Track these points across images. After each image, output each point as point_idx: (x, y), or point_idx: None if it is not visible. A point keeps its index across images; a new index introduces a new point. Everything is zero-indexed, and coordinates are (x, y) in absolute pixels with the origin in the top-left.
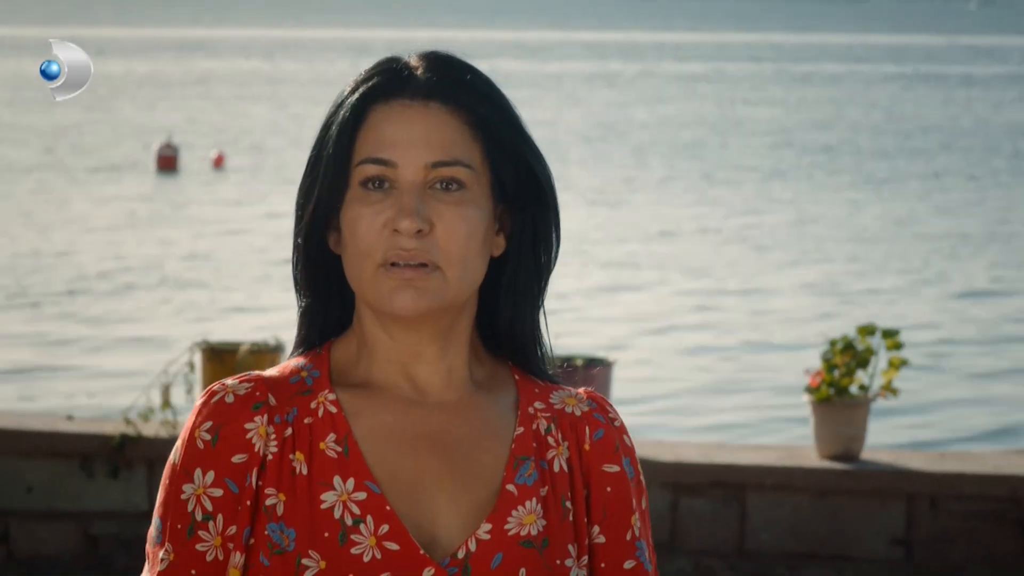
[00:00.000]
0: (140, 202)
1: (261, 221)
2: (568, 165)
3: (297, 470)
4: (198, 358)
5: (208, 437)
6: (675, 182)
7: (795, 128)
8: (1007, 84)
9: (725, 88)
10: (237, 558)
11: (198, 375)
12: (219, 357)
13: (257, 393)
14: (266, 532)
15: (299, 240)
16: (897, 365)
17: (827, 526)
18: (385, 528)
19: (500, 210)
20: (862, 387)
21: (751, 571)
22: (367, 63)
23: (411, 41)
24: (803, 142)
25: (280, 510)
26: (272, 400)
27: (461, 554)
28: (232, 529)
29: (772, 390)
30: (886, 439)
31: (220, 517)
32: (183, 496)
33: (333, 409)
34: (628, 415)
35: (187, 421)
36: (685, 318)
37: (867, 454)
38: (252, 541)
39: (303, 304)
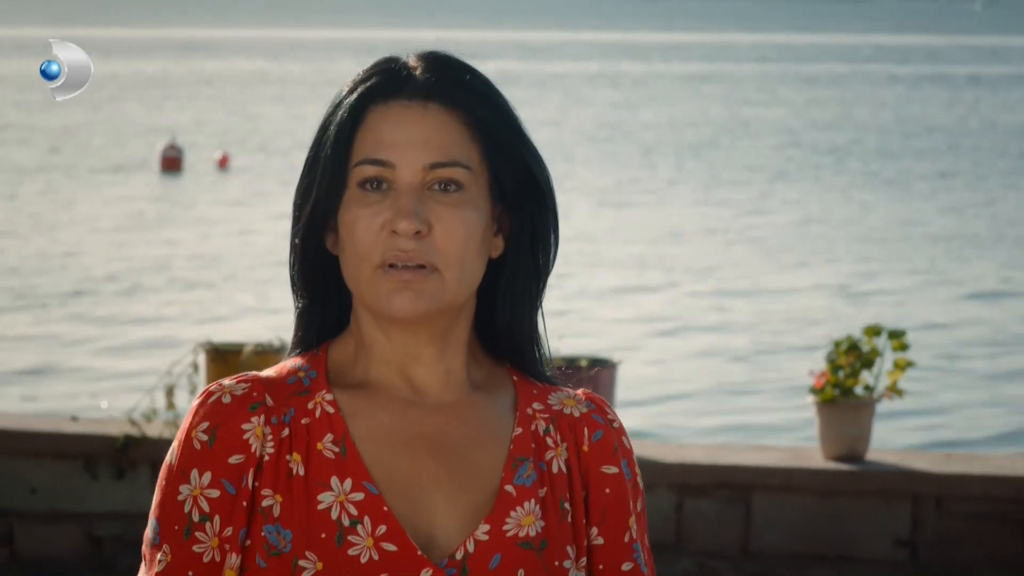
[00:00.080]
0: (144, 203)
1: (265, 221)
2: (574, 166)
3: (294, 471)
4: (202, 359)
5: (205, 438)
6: (682, 183)
7: (802, 128)
8: (1013, 84)
9: (731, 89)
10: (233, 559)
11: (202, 376)
12: (223, 358)
13: (254, 394)
14: (262, 533)
15: (296, 241)
16: (903, 366)
17: (832, 527)
18: (383, 529)
19: (498, 211)
20: (867, 388)
21: (756, 572)
22: (368, 63)
23: (415, 41)
24: (810, 142)
25: (276, 511)
26: (269, 401)
27: (459, 555)
28: (229, 530)
29: (780, 391)
30: (896, 440)
31: (217, 518)
32: (180, 497)
33: (331, 409)
34: (633, 416)
35: (184, 422)
36: (691, 319)
37: (872, 455)
38: (248, 542)
39: (300, 305)
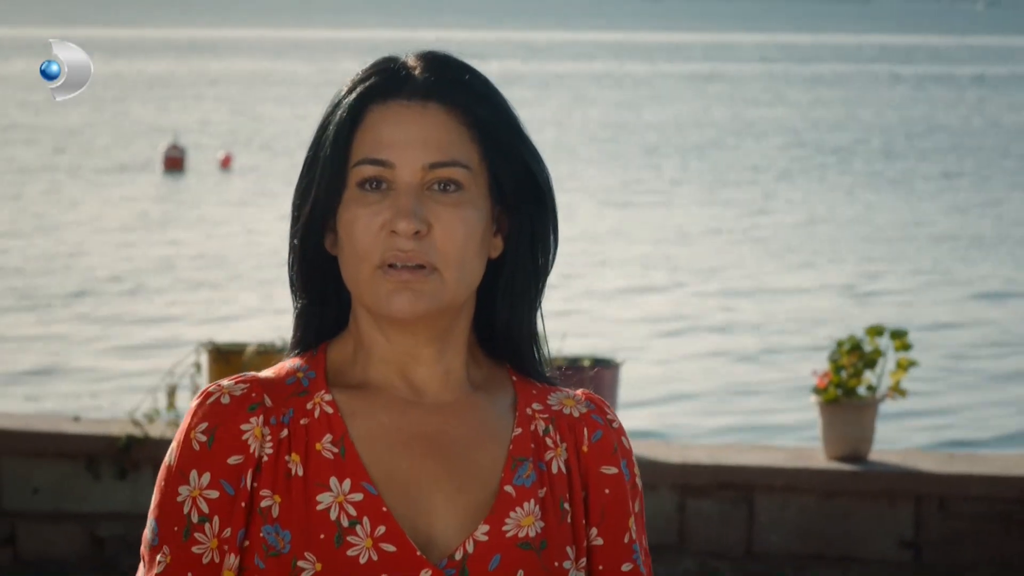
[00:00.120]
0: (147, 203)
1: (269, 222)
2: (578, 166)
3: (293, 471)
4: (204, 359)
5: (203, 438)
6: (686, 183)
7: (806, 129)
8: (1017, 84)
9: (735, 89)
10: (231, 560)
11: (204, 376)
12: (225, 358)
13: (253, 394)
14: (261, 534)
15: (295, 241)
16: (905, 366)
17: (835, 527)
18: (382, 529)
19: (498, 211)
20: (870, 388)
21: (759, 572)
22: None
23: (419, 41)
24: (814, 143)
25: (275, 512)
26: (268, 401)
27: (459, 556)
28: (227, 531)
29: (786, 392)
30: (903, 441)
31: (216, 519)
32: (179, 498)
33: (329, 410)
34: (638, 417)
35: (182, 423)
36: (695, 319)
37: (875, 455)
38: (247, 543)
39: (299, 305)
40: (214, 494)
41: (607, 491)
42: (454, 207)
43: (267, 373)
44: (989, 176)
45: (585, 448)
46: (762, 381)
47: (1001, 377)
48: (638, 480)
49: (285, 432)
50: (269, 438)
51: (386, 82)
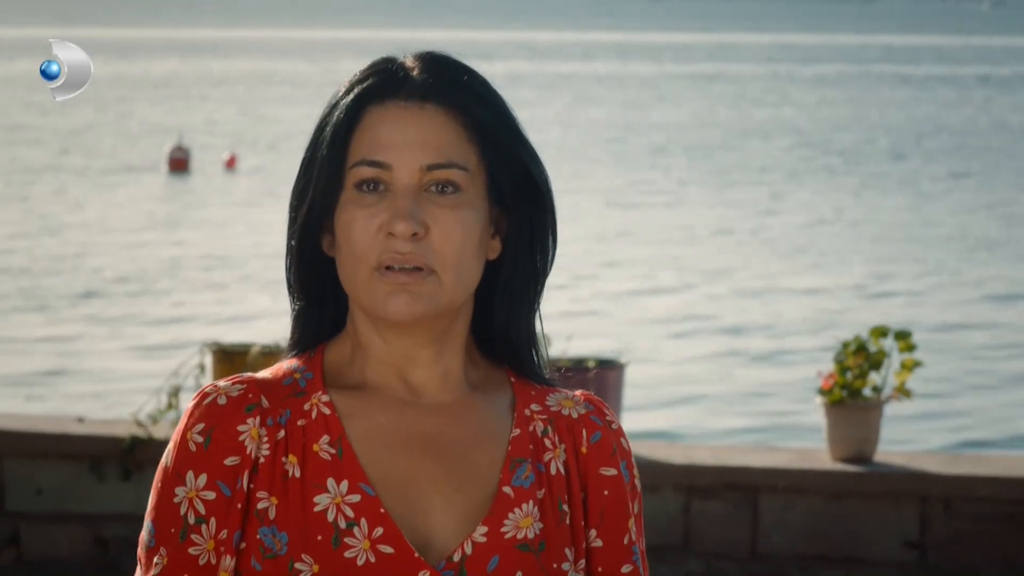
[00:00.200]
0: (153, 204)
1: (274, 223)
2: (584, 167)
3: (290, 473)
4: (208, 360)
5: (200, 439)
6: (693, 184)
7: (812, 129)
8: (1022, 85)
9: (740, 89)
10: (227, 562)
11: (208, 377)
12: (230, 358)
13: (250, 395)
14: (258, 536)
15: (292, 242)
16: (910, 367)
17: (840, 528)
18: (379, 531)
19: (496, 213)
20: (875, 389)
21: (763, 573)
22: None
23: (425, 42)
24: (821, 143)
25: (272, 513)
26: (265, 402)
27: (457, 557)
28: (224, 533)
29: (792, 393)
30: (911, 443)
31: (213, 520)
32: (175, 499)
33: (327, 411)
34: (645, 418)
35: (179, 423)
36: (702, 320)
37: (880, 456)
38: (243, 545)
39: (297, 307)
40: (211, 495)
41: (606, 492)
42: (452, 209)
43: (264, 374)
44: (996, 176)
45: (584, 449)
46: (770, 382)
47: (1010, 378)
48: (637, 481)
49: (282, 433)
50: (266, 439)
51: (384, 83)
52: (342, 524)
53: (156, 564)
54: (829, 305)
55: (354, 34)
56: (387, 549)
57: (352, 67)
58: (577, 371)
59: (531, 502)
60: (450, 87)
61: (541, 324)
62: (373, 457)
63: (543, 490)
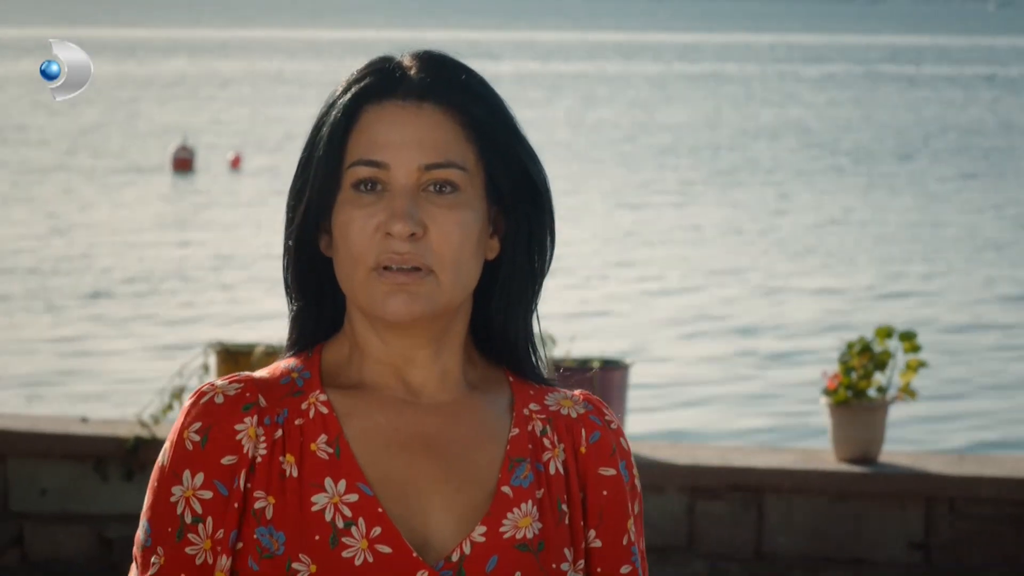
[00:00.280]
0: (159, 204)
1: (280, 223)
2: (592, 167)
3: (287, 472)
4: (212, 360)
5: (197, 438)
6: (699, 184)
7: (819, 129)
8: None
9: (747, 89)
10: (223, 562)
11: (212, 377)
12: (234, 359)
13: (247, 394)
14: (255, 536)
15: (290, 243)
16: (915, 367)
17: (845, 529)
18: (377, 531)
19: (494, 212)
20: (880, 389)
21: (768, 574)
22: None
23: (428, 42)
24: (828, 143)
25: (269, 513)
26: (262, 401)
27: (455, 557)
28: (220, 532)
29: (801, 394)
30: (917, 443)
31: (210, 520)
32: (172, 499)
33: (324, 410)
34: (650, 419)
35: (176, 422)
36: (709, 321)
37: (885, 457)
38: (240, 545)
39: (294, 307)
40: (207, 494)
41: (605, 492)
42: (450, 209)
43: (261, 373)
44: (1004, 177)
45: (583, 449)
46: (779, 383)
47: (1020, 380)
48: (637, 481)
49: (279, 433)
50: (263, 438)
51: (381, 82)
52: (340, 524)
53: (153, 564)
54: (837, 306)
55: (359, 34)
56: (385, 549)
57: (354, 66)
58: (576, 371)
59: (530, 502)
60: (448, 86)
61: (539, 324)
62: (371, 457)
63: (542, 490)
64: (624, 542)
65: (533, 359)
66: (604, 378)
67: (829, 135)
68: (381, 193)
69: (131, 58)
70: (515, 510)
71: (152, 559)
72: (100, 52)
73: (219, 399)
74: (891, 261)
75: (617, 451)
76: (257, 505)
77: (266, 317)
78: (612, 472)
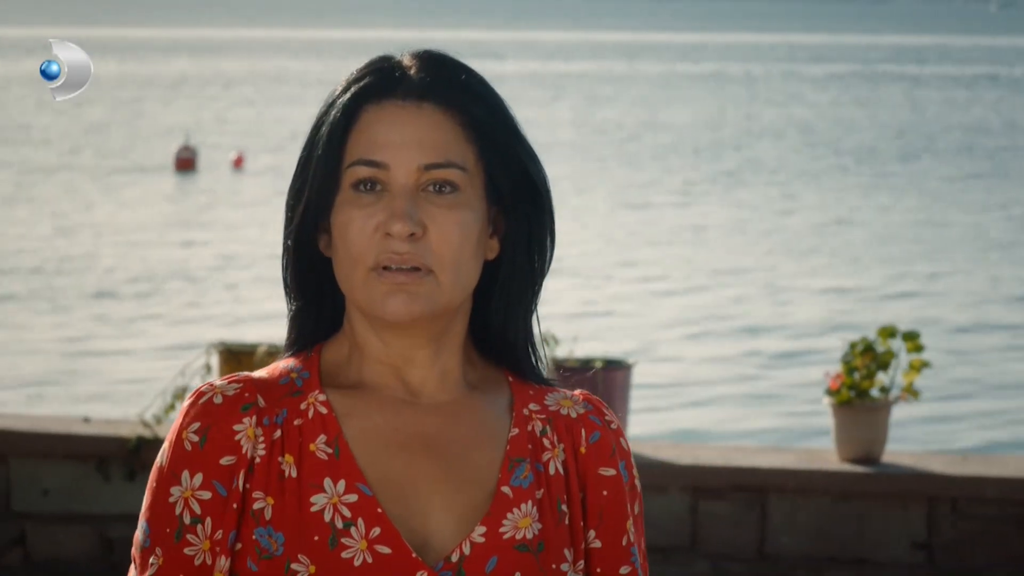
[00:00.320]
0: (161, 204)
1: (281, 223)
2: (596, 167)
3: (286, 473)
4: (215, 360)
5: (195, 439)
6: (702, 184)
7: (823, 129)
8: None
9: (750, 89)
10: (222, 562)
11: (215, 377)
12: (236, 359)
13: (246, 394)
14: (253, 537)
15: (288, 243)
16: (918, 367)
17: (848, 529)
18: (377, 531)
19: (494, 212)
20: (883, 389)
21: (771, 574)
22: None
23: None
24: (831, 143)
25: (268, 514)
26: (261, 402)
27: (455, 557)
28: (219, 533)
29: (806, 394)
30: (920, 444)
31: (208, 520)
32: (171, 499)
33: (323, 410)
34: (655, 419)
35: (174, 423)
36: (711, 321)
37: (888, 457)
38: (239, 546)
39: (293, 307)
40: (206, 495)
41: (605, 493)
42: (449, 209)
43: (260, 373)
44: (1008, 176)
45: (583, 449)
46: (783, 383)
47: (1020, 379)
48: (637, 482)
49: (278, 433)
50: (262, 439)
51: (381, 82)
52: (339, 524)
53: (151, 564)
54: (842, 306)
55: (362, 34)
56: (384, 549)
57: (355, 66)
58: (578, 371)
59: (530, 502)
60: (448, 86)
61: (539, 324)
62: (370, 457)
63: (542, 490)
64: (624, 542)
65: (533, 359)
66: (607, 378)
67: (832, 135)
68: (380, 193)
69: (134, 58)
70: (515, 510)
71: (151, 560)
72: (104, 52)
73: (218, 399)
74: (896, 261)
75: (617, 451)
76: (256, 506)
77: (269, 317)
78: (612, 472)
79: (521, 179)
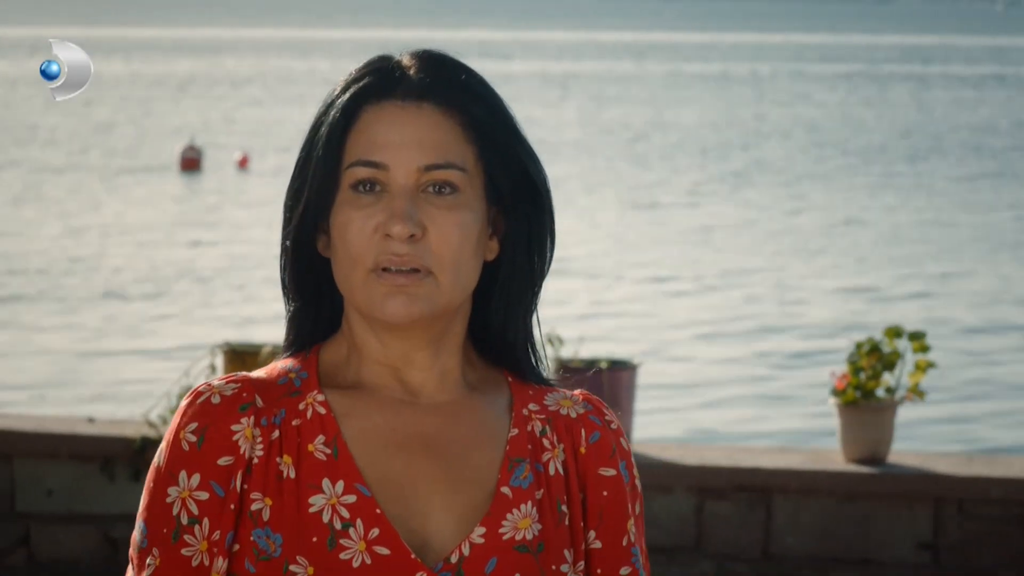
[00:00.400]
0: (166, 204)
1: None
2: (603, 167)
3: (284, 473)
4: (220, 360)
5: (193, 439)
6: (709, 184)
7: (830, 129)
8: None
9: (757, 89)
10: (220, 563)
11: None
12: (241, 359)
13: (244, 394)
14: (251, 538)
15: (287, 243)
16: (924, 368)
17: (853, 530)
18: (375, 532)
19: (494, 213)
20: (888, 390)
21: (776, 575)
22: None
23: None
24: (838, 143)
25: (266, 515)
26: (259, 402)
27: (454, 558)
28: (216, 534)
29: (814, 395)
30: (927, 445)
31: (206, 521)
32: (168, 499)
33: (322, 410)
34: (661, 419)
35: (172, 422)
36: (720, 322)
37: (894, 457)
38: (237, 547)
39: (291, 307)
40: (204, 495)
41: (605, 493)
42: (449, 210)
43: (259, 373)
44: (1017, 176)
45: (583, 449)
46: (791, 384)
47: None
48: (637, 482)
49: (276, 433)
50: (260, 439)
51: (380, 82)
52: (337, 525)
53: (148, 565)
54: (852, 307)
55: (368, 34)
56: (383, 551)
57: (354, 66)
58: (581, 371)
59: (530, 503)
60: (447, 86)
61: (540, 325)
62: (369, 457)
63: (542, 491)
64: (624, 543)
65: (532, 360)
66: (613, 378)
67: (840, 135)
68: (380, 194)
69: (142, 58)
70: (515, 511)
71: (148, 560)
72: (110, 52)
73: (216, 399)
74: (905, 261)
75: (617, 451)
76: (254, 507)
77: (278, 317)
78: (612, 472)
79: (521, 179)
